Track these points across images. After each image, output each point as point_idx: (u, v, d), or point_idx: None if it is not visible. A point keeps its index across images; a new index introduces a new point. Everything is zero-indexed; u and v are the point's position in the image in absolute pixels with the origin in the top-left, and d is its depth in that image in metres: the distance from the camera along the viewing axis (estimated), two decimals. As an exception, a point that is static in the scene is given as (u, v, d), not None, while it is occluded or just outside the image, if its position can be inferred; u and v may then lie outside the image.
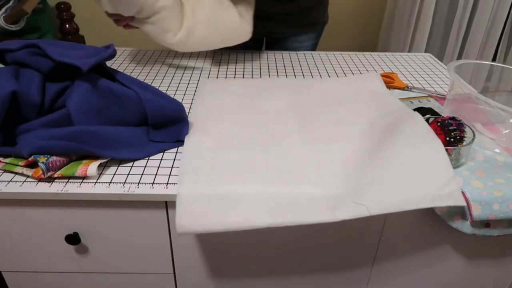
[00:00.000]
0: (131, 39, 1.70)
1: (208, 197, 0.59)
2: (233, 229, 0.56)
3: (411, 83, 1.00)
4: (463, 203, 0.60)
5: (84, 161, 0.64)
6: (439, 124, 0.68)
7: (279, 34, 1.12)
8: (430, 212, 0.66)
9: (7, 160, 0.64)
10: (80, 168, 0.62)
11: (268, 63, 1.10)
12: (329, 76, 1.02)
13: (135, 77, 1.00)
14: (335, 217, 0.57)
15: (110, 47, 0.71)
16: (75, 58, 0.65)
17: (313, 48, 1.25)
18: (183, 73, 1.02)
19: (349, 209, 0.57)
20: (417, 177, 0.60)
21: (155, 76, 1.00)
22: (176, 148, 0.71)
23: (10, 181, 0.62)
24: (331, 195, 0.60)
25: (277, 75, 1.02)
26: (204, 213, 0.57)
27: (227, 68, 1.06)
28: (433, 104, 0.88)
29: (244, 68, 1.05)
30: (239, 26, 0.89)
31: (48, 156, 0.61)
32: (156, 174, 0.64)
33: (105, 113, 0.67)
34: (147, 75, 1.00)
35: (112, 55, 0.70)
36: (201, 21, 0.83)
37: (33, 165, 0.62)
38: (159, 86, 0.95)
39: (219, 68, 1.06)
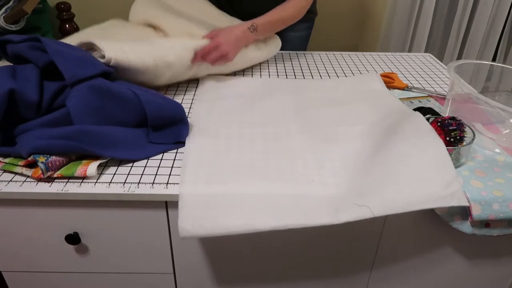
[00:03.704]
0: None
1: (210, 200, 0.59)
2: (236, 232, 0.56)
3: (411, 83, 1.00)
4: (466, 203, 0.59)
5: (83, 161, 0.64)
6: (439, 124, 0.68)
7: None
8: (430, 212, 0.65)
9: (7, 160, 0.64)
10: (79, 168, 0.62)
11: (268, 63, 1.10)
12: (329, 76, 1.02)
13: (135, 77, 1.00)
14: (338, 219, 0.57)
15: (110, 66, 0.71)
16: (70, 61, 0.66)
17: (307, 39, 1.26)
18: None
19: (352, 210, 0.57)
20: (420, 177, 0.60)
21: (155, 76, 1.00)
22: (176, 148, 0.71)
23: (10, 181, 0.62)
24: (334, 197, 0.60)
25: (277, 75, 1.02)
26: (207, 216, 0.57)
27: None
28: (433, 104, 0.88)
29: (244, 68, 1.05)
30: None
31: (48, 156, 0.61)
32: (156, 174, 0.64)
33: (105, 113, 0.67)
34: (147, 75, 1.00)
35: (108, 72, 0.70)
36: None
37: (32, 165, 0.62)
38: (159, 87, 0.94)
39: (219, 68, 1.06)
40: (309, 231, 0.71)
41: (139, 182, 0.62)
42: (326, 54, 1.18)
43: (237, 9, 1.14)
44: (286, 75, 1.02)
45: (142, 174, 0.64)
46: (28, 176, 0.62)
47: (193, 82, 0.97)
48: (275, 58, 1.13)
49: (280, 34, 1.19)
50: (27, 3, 1.19)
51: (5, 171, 0.64)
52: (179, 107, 0.71)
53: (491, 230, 0.64)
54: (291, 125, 0.78)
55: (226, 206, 0.58)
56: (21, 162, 0.62)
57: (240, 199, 0.59)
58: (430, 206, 0.58)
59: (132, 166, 0.66)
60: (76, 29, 1.57)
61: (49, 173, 0.60)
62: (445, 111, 0.81)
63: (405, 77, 1.04)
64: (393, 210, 0.57)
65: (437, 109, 0.84)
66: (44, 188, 0.61)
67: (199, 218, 0.56)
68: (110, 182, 0.62)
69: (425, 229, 0.71)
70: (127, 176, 0.63)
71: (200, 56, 0.86)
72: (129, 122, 0.70)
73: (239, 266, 0.75)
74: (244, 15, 1.08)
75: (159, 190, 0.61)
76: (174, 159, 0.68)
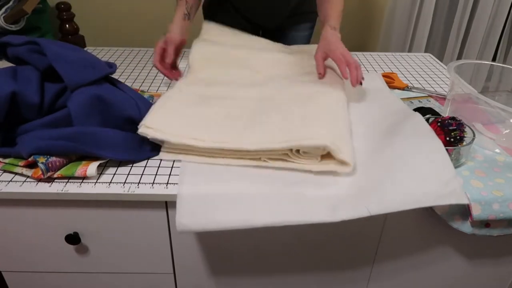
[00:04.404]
0: (131, 39, 1.70)
1: (208, 196, 0.59)
2: (233, 227, 0.56)
3: (411, 83, 1.00)
4: (466, 201, 0.59)
5: (83, 162, 0.64)
6: (439, 124, 0.68)
7: (275, 24, 1.12)
8: (430, 212, 0.65)
9: (7, 160, 0.64)
10: (79, 169, 0.62)
11: (268, 63, 1.09)
12: (329, 76, 1.02)
13: (135, 76, 1.00)
14: (335, 217, 0.57)
15: (112, 67, 0.71)
16: (70, 65, 0.65)
17: (309, 38, 1.26)
18: (183, 74, 1.02)
19: (349, 209, 0.57)
20: (418, 176, 0.60)
21: (155, 76, 1.00)
22: (176, 148, 0.71)
23: (10, 181, 0.62)
24: (332, 195, 0.60)
25: (277, 75, 1.02)
26: (204, 211, 0.57)
27: (227, 68, 1.06)
28: (433, 104, 0.88)
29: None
30: None
31: (48, 156, 0.61)
32: (156, 174, 0.64)
33: (105, 114, 0.67)
34: (147, 75, 1.00)
35: (111, 72, 0.70)
36: None
37: (32, 165, 0.62)
38: (159, 86, 0.95)
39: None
40: (309, 230, 0.71)
41: (139, 182, 0.62)
42: (326, 54, 1.17)
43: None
44: (286, 75, 1.02)
45: (142, 174, 0.64)
46: (28, 176, 0.62)
47: (193, 82, 0.97)
48: (275, 58, 1.13)
49: (283, 33, 1.19)
50: (27, 3, 1.19)
51: (5, 171, 0.64)
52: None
53: (491, 230, 0.64)
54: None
55: (223, 202, 0.58)
56: (21, 163, 0.62)
57: (237, 195, 0.59)
58: (429, 204, 0.58)
59: (132, 166, 0.66)
60: (76, 29, 1.57)
61: (49, 174, 0.60)
62: (445, 111, 0.81)
63: (405, 77, 1.04)
64: (390, 209, 0.57)
65: (437, 109, 0.84)
66: (44, 188, 0.61)
67: (196, 213, 0.57)
68: (110, 182, 0.62)
69: (425, 229, 0.71)
70: (127, 176, 0.63)
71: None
72: (129, 123, 0.69)
73: (239, 266, 0.75)
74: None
75: (159, 190, 0.61)
76: (174, 159, 0.68)
